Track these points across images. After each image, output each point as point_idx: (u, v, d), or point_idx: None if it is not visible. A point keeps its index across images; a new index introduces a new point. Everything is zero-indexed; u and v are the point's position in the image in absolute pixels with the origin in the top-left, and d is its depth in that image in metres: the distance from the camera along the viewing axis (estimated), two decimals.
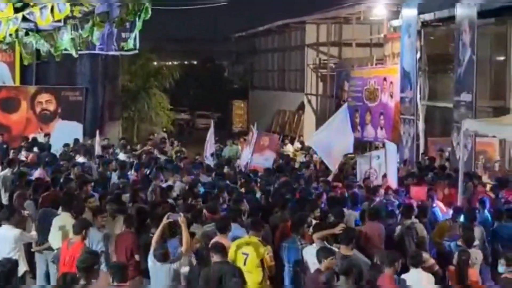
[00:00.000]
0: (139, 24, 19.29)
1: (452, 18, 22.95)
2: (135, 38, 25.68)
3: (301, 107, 42.05)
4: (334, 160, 18.88)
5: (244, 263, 10.76)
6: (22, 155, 20.85)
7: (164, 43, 58.13)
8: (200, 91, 61.36)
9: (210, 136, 21.79)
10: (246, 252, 10.84)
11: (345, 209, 13.89)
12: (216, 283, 10.08)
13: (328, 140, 18.83)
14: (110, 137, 27.51)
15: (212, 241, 10.97)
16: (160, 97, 39.15)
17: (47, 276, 12.92)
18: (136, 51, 27.76)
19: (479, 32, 21.31)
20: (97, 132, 23.95)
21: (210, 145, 21.84)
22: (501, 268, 10.55)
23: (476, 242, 12.07)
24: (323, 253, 10.21)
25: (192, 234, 11.05)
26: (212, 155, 21.77)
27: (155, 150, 24.02)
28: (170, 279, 10.09)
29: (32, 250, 13.13)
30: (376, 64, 32.43)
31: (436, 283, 10.83)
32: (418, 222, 13.08)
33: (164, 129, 38.81)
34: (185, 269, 10.68)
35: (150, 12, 15.68)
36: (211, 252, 10.54)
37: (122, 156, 21.64)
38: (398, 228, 12.90)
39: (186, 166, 19.80)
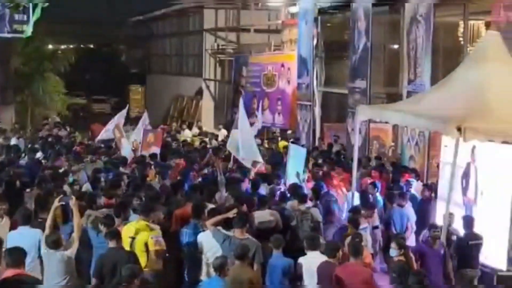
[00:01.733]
0: (37, 11, 18.65)
1: (348, 6, 23.27)
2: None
3: (199, 92, 41.91)
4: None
5: (130, 246, 10.68)
6: None
7: (60, 26, 56.69)
8: (96, 75, 60.52)
9: (112, 123, 21.38)
10: (132, 236, 10.77)
11: None
12: (110, 269, 9.94)
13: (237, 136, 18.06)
14: (2, 121, 26.82)
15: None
16: (55, 81, 38.22)
17: None
18: (30, 34, 27.11)
19: (374, 20, 21.70)
20: None
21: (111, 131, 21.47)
22: (392, 251, 10.79)
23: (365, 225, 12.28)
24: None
25: None
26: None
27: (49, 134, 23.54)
28: (63, 265, 9.86)
29: None
30: (274, 50, 32.68)
31: None
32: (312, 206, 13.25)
33: (59, 114, 38.05)
34: None
35: None
36: (105, 238, 10.42)
37: (14, 141, 21.15)
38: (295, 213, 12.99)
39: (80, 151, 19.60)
